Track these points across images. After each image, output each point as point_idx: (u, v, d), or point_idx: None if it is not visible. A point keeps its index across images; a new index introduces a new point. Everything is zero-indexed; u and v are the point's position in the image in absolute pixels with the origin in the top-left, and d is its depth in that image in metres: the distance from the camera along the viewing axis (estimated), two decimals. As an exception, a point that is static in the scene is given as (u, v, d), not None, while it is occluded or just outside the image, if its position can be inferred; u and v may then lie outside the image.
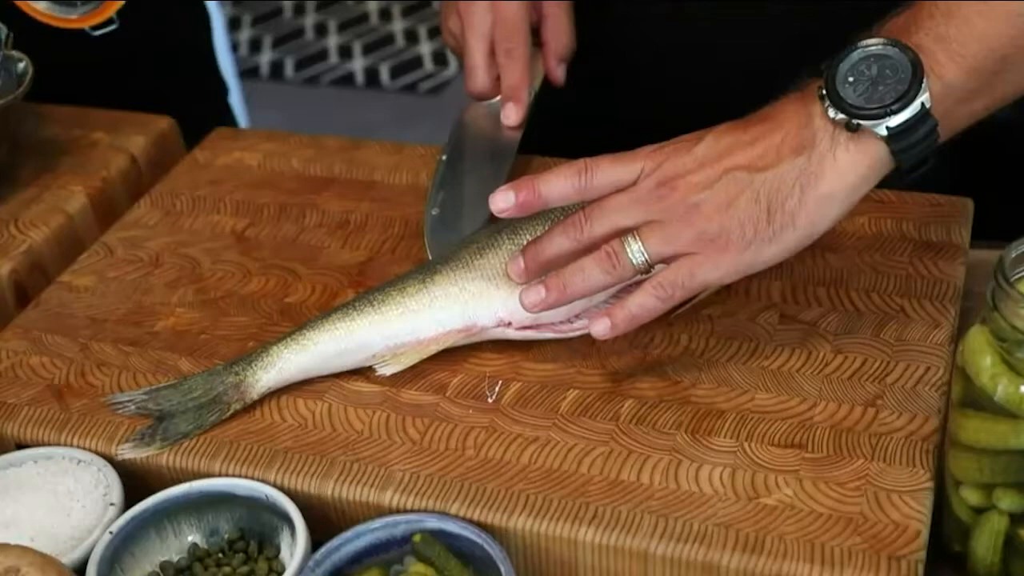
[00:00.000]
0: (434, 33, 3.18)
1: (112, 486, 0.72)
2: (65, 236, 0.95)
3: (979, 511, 0.65)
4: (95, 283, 0.89)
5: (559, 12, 0.92)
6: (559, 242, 0.74)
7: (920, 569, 0.63)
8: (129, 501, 0.71)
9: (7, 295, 0.90)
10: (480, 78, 0.89)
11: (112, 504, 0.71)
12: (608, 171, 0.73)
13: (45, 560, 0.63)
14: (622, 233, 0.71)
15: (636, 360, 0.77)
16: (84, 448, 0.75)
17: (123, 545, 0.70)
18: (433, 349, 0.76)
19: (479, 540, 0.67)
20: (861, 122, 0.67)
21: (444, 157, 0.92)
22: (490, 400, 0.75)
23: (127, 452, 0.74)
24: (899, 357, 0.75)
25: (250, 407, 0.76)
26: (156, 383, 0.78)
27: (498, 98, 0.92)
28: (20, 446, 0.76)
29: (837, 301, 0.80)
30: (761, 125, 0.71)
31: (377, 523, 0.68)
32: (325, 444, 0.73)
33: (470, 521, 0.68)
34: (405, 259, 0.87)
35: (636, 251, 0.71)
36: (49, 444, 0.76)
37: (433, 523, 0.68)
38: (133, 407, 0.76)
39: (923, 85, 0.66)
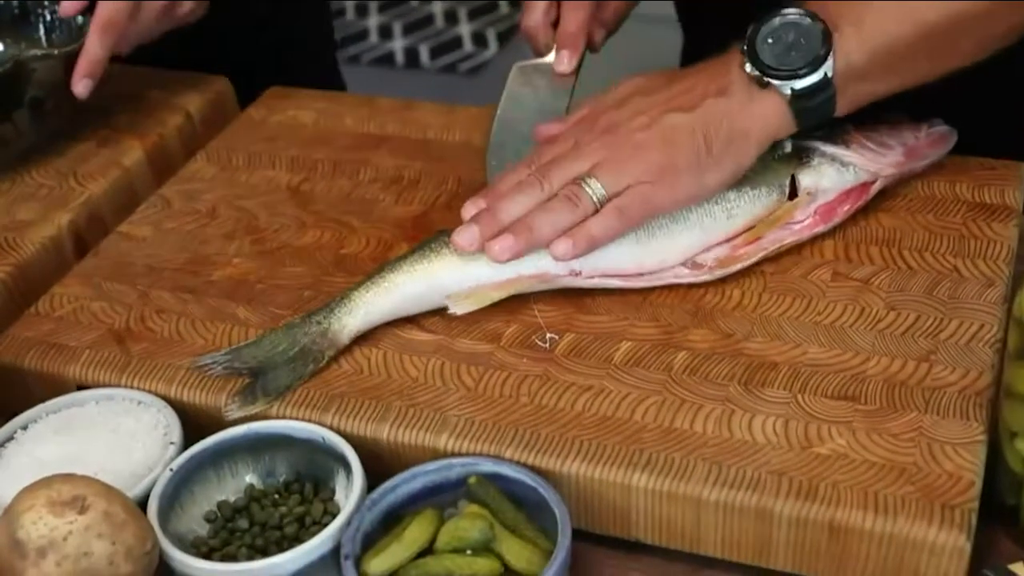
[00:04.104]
0: (474, 14, 3.18)
1: (172, 426, 0.74)
2: (122, 189, 0.96)
3: (1033, 463, 0.65)
4: (153, 233, 0.90)
5: None
6: (521, 201, 0.78)
7: (973, 519, 0.63)
8: (188, 442, 0.73)
9: (66, 245, 0.91)
10: (536, 15, 0.91)
11: (172, 443, 0.73)
12: (561, 168, 0.78)
13: (109, 491, 0.64)
14: (576, 179, 0.77)
15: (688, 314, 0.78)
16: (144, 390, 0.76)
17: (183, 483, 0.71)
18: (505, 292, 0.77)
19: (533, 484, 0.67)
20: (771, 80, 0.75)
21: (498, 112, 0.92)
22: (545, 347, 0.76)
23: (234, 412, 0.73)
24: (952, 314, 0.75)
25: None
26: (215, 330, 0.80)
27: (547, 59, 0.93)
28: (81, 387, 0.78)
29: (890, 259, 0.80)
30: (683, 78, 0.80)
31: (432, 465, 0.69)
32: (380, 389, 0.74)
33: (524, 465, 0.69)
34: (460, 215, 0.88)
35: (595, 188, 0.76)
36: (110, 386, 0.77)
37: (488, 466, 0.69)
38: (220, 368, 0.75)
39: (829, 59, 0.75)
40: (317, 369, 0.75)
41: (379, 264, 0.80)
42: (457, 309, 0.77)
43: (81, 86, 0.93)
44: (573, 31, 0.89)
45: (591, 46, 0.93)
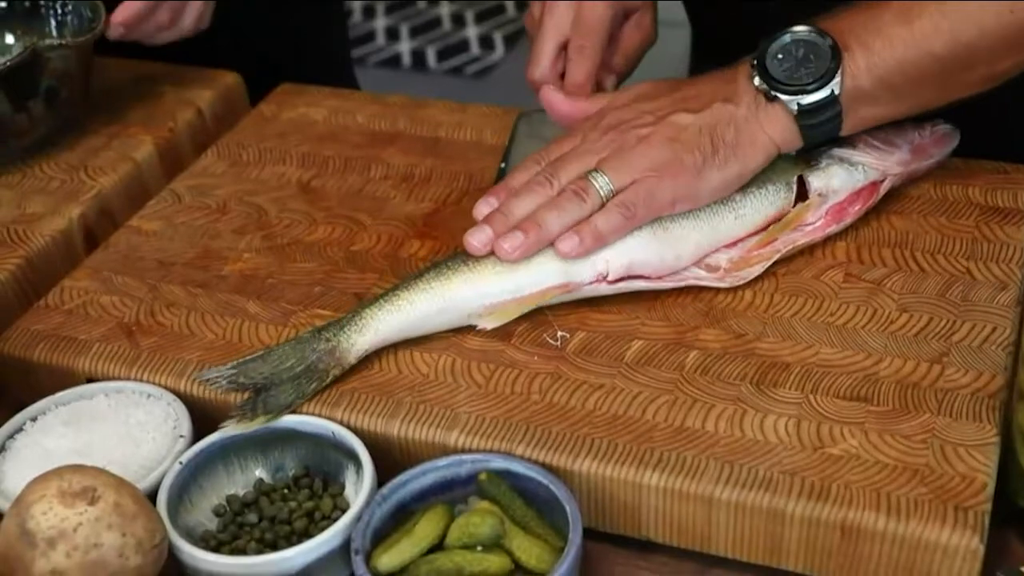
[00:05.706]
0: (481, 17, 3.19)
1: (181, 419, 0.74)
2: (133, 183, 0.96)
3: (1047, 465, 0.65)
4: (163, 228, 0.90)
5: (634, 37, 0.93)
6: (532, 200, 0.78)
7: (986, 520, 0.63)
8: (197, 436, 0.72)
9: (76, 238, 0.91)
10: (543, 66, 0.89)
11: (181, 436, 0.72)
12: (569, 166, 0.79)
13: (120, 482, 0.64)
14: (583, 174, 0.78)
15: (700, 313, 0.77)
16: (154, 383, 0.76)
17: (192, 476, 0.71)
18: (531, 305, 0.76)
19: (544, 481, 0.67)
20: (778, 95, 0.76)
21: (503, 164, 0.91)
22: (556, 345, 0.75)
23: (230, 427, 0.72)
24: (965, 317, 0.75)
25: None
26: (225, 324, 0.80)
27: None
28: (91, 380, 0.78)
29: (902, 261, 0.80)
30: (690, 85, 0.81)
31: (443, 461, 0.69)
32: (391, 385, 0.74)
33: (535, 463, 0.68)
34: (471, 212, 0.87)
35: (602, 183, 0.77)
36: (120, 379, 0.77)
37: (499, 463, 0.69)
38: (224, 382, 0.74)
39: (837, 77, 0.76)
40: (320, 388, 0.73)
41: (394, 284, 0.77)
42: (486, 324, 0.76)
43: (115, 30, 0.96)
44: (580, 82, 0.87)
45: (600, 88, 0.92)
